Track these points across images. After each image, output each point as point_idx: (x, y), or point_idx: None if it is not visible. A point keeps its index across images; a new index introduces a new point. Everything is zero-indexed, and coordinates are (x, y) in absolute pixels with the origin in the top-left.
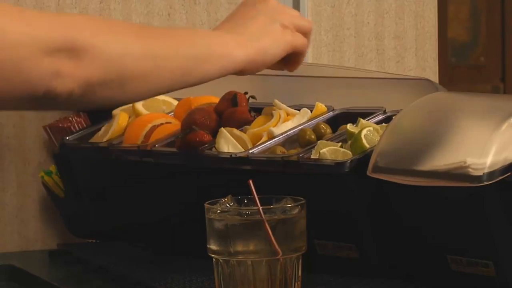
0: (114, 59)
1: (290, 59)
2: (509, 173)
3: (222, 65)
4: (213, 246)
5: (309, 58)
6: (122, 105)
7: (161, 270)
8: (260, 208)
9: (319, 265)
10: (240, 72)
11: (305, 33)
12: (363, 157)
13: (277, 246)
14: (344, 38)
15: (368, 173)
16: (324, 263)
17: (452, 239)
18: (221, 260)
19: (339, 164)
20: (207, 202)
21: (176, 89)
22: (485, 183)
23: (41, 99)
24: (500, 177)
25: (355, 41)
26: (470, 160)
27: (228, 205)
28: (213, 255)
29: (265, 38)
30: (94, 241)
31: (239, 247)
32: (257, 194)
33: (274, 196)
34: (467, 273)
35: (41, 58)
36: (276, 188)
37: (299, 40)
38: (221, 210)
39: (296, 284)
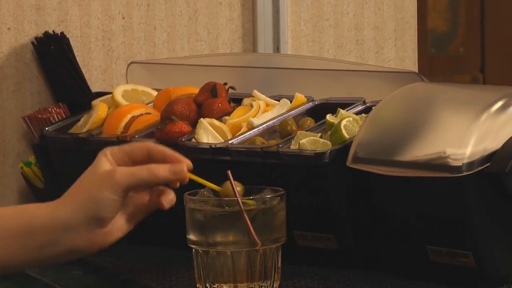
0: None
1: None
2: (488, 164)
3: (26, 242)
4: (192, 237)
5: (288, 49)
6: None
7: (140, 261)
8: (239, 199)
9: (298, 256)
10: (63, 239)
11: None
12: (343, 148)
13: (256, 237)
14: (323, 28)
15: (347, 164)
16: (304, 254)
17: (431, 230)
18: (200, 251)
19: (319, 155)
20: (187, 192)
21: None
22: (465, 173)
23: None
24: (479, 168)
25: (335, 31)
26: (449, 151)
27: (207, 196)
28: (192, 246)
29: (82, 197)
30: None
31: (219, 238)
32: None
33: (254, 186)
34: (446, 263)
35: None
36: (256, 179)
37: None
38: (200, 201)
39: (275, 274)
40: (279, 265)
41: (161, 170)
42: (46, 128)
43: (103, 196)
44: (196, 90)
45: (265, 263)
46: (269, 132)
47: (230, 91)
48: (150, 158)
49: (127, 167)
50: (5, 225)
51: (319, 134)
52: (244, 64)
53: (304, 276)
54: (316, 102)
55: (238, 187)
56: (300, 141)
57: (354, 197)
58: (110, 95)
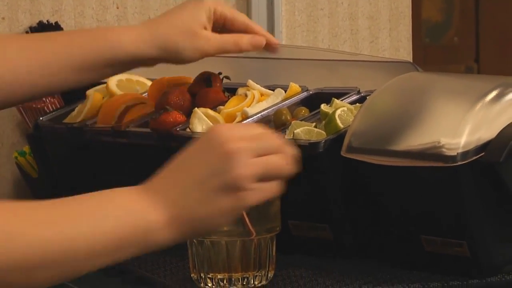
0: None
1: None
2: (483, 153)
3: (137, 250)
4: None
5: (283, 38)
6: None
7: None
8: None
9: (293, 246)
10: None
11: (278, 175)
12: (337, 137)
13: (251, 227)
14: (318, 18)
15: (342, 153)
16: (298, 244)
17: (426, 220)
18: (195, 241)
19: (313, 144)
20: None
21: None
22: (459, 163)
23: None
24: (474, 157)
25: (329, 21)
26: (444, 140)
27: None
28: None
29: (206, 216)
30: None
31: None
32: None
33: None
34: (441, 253)
35: None
36: None
37: (256, 196)
38: None
39: (270, 264)
40: (274, 254)
41: (245, 42)
42: (41, 118)
43: (184, 54)
44: (190, 80)
45: (260, 253)
46: (264, 121)
47: (225, 80)
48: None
49: (220, 36)
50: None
51: (314, 124)
52: (238, 54)
53: (299, 266)
54: (311, 92)
55: None
56: (295, 131)
57: (348, 187)
58: (105, 84)
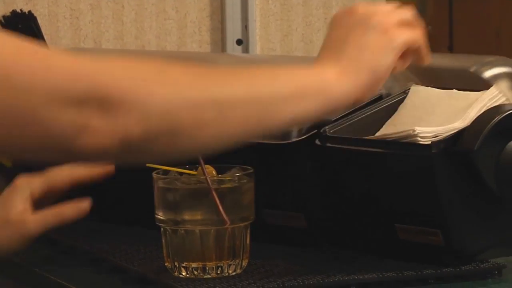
0: (161, 110)
1: (410, 55)
2: (457, 142)
3: (319, 103)
4: (161, 216)
5: (256, 27)
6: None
7: (110, 240)
8: (208, 177)
9: (267, 235)
10: (351, 103)
11: (411, 24)
12: (312, 126)
13: (225, 215)
14: (291, 7)
15: (317, 142)
16: (273, 233)
17: (400, 208)
18: (169, 230)
19: (289, 133)
20: (155, 172)
21: (255, 136)
22: (433, 151)
23: (69, 154)
24: (448, 146)
25: (303, 10)
26: (418, 129)
27: (176, 174)
28: (161, 225)
29: (366, 54)
30: None
31: (187, 216)
32: (207, 164)
33: (223, 165)
34: (415, 242)
35: (60, 108)
36: (226, 158)
37: (405, 35)
38: (169, 179)
39: (244, 253)
40: (248, 243)
41: (69, 213)
42: None
43: (10, 246)
44: None
45: (234, 242)
46: None
47: None
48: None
49: (39, 215)
50: None
51: None
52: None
53: (273, 255)
54: None
55: (209, 168)
56: None
57: (323, 176)
58: None
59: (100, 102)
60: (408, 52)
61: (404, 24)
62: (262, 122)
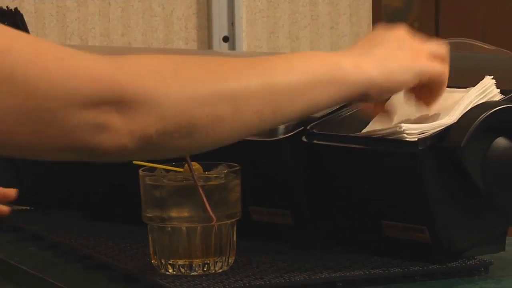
0: (178, 108)
1: (427, 90)
2: (444, 139)
3: (334, 90)
4: (148, 213)
5: (243, 24)
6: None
7: (97, 237)
8: (194, 174)
9: (253, 232)
10: (363, 96)
11: (442, 59)
12: (299, 123)
13: (211, 212)
14: (278, 3)
15: (303, 139)
16: (259, 230)
17: (387, 205)
18: (155, 227)
19: (274, 130)
20: (142, 169)
21: (271, 126)
22: (420, 148)
23: (89, 154)
24: (435, 143)
25: (289, 6)
26: (405, 126)
27: (162, 171)
28: (148, 222)
29: (391, 62)
30: (27, 208)
31: (174, 213)
32: (194, 161)
33: (210, 162)
34: (401, 238)
35: (80, 110)
36: (212, 155)
37: (434, 66)
38: (156, 176)
39: (230, 250)
40: (234, 240)
41: None
42: None
43: None
44: None
45: (220, 239)
46: None
47: None
48: None
49: None
50: None
51: None
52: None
53: (260, 252)
54: None
55: (195, 165)
56: None
57: (309, 172)
58: None
59: (119, 102)
60: (425, 86)
61: (436, 57)
62: (277, 112)
